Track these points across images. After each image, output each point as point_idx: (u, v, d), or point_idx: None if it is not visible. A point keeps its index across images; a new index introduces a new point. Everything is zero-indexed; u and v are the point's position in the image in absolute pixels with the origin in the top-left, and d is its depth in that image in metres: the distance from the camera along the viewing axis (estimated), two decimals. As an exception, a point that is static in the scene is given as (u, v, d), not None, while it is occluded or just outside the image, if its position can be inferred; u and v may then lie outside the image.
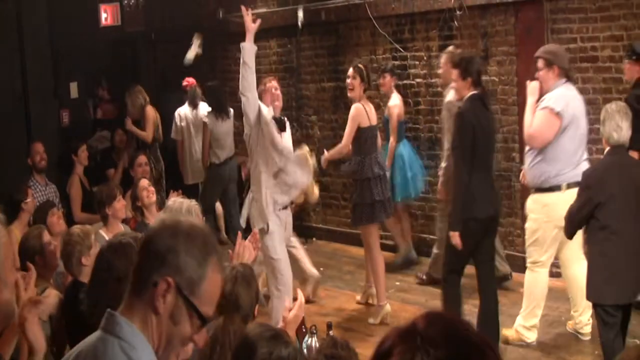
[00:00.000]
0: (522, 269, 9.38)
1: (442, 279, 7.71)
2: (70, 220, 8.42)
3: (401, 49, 10.75)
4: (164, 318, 2.40)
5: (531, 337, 7.67)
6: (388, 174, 9.07)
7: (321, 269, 10.13)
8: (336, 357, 3.86)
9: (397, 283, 9.61)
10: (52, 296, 5.72)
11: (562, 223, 6.67)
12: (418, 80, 10.71)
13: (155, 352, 2.41)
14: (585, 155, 7.47)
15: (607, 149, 6.37)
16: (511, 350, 7.36)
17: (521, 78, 9.33)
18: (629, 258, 6.28)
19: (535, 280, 7.65)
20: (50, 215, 7.40)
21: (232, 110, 11.17)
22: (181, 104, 11.70)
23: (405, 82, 10.76)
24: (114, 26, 13.08)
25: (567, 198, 6.78)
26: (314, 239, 11.86)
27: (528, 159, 7.47)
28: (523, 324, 7.67)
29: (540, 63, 7.36)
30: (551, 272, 9.25)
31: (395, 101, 9.87)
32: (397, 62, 10.85)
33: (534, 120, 7.29)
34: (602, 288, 6.34)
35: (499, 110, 9.78)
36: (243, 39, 7.74)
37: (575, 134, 7.29)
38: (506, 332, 7.58)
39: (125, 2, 13.02)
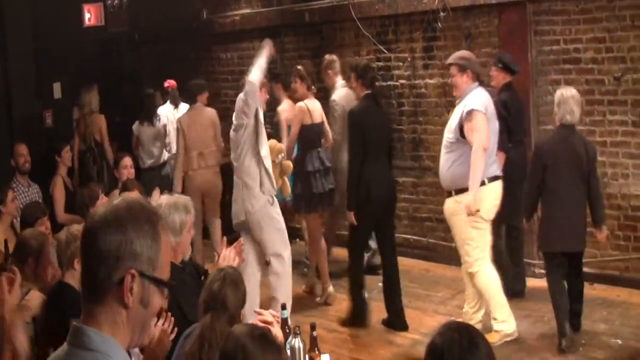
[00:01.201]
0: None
1: (348, 254, 8.65)
2: (53, 222, 8.39)
3: (385, 50, 10.77)
4: (134, 308, 2.30)
5: (510, 328, 7.71)
6: None
7: (305, 269, 10.14)
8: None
9: (380, 284, 9.62)
10: (35, 298, 5.72)
11: (489, 215, 7.60)
12: (402, 81, 10.73)
13: (129, 343, 2.33)
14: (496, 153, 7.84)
15: (558, 125, 7.64)
16: (495, 350, 7.36)
17: (504, 79, 9.36)
18: (570, 214, 7.58)
19: (484, 278, 7.70)
20: (39, 225, 7.34)
21: (160, 118, 11.52)
22: (163, 103, 11.92)
23: (389, 83, 10.78)
24: (98, 26, 13.04)
25: (491, 189, 7.60)
26: (297, 239, 11.85)
27: (446, 163, 7.73)
28: (498, 322, 7.68)
29: (453, 70, 7.79)
30: (533, 272, 9.35)
31: (284, 106, 10.09)
32: (381, 64, 10.87)
33: (474, 131, 7.42)
34: (551, 239, 7.67)
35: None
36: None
37: (492, 133, 7.63)
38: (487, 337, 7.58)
39: (109, 2, 12.99)
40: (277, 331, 4.39)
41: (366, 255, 9.59)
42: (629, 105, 8.83)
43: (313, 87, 9.49)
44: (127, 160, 9.49)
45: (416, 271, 10.04)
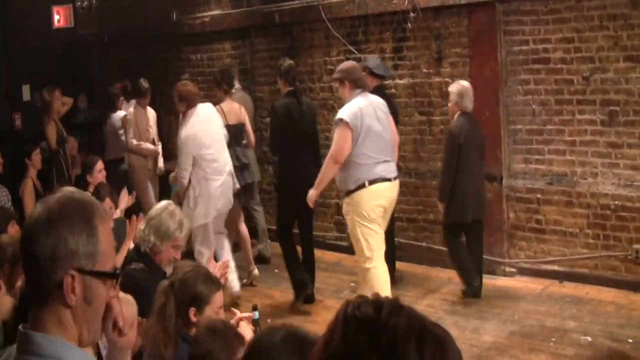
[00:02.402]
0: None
1: (277, 234, 9.32)
2: (23, 225, 8.33)
3: (355, 51, 10.77)
4: (79, 306, 2.23)
5: None
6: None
7: (276, 270, 10.13)
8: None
9: (352, 284, 9.64)
10: (6, 302, 5.68)
11: (373, 214, 7.87)
12: (372, 81, 10.73)
13: (81, 341, 2.26)
14: (388, 155, 8.09)
15: (459, 112, 8.81)
16: (465, 350, 7.40)
17: (474, 79, 9.41)
18: (478, 186, 8.92)
19: (376, 274, 7.95)
20: (11, 226, 7.29)
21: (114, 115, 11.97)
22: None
23: (359, 83, 10.80)
24: (67, 28, 12.97)
25: (372, 192, 7.87)
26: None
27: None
28: None
29: (336, 84, 8.43)
30: (503, 271, 9.40)
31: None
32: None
33: (333, 140, 7.96)
34: (464, 210, 8.78)
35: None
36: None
37: (373, 139, 7.89)
38: None
39: (79, 4, 12.93)
40: (247, 329, 4.37)
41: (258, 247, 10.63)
42: (597, 105, 8.89)
43: (232, 90, 10.02)
44: (101, 164, 9.46)
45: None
